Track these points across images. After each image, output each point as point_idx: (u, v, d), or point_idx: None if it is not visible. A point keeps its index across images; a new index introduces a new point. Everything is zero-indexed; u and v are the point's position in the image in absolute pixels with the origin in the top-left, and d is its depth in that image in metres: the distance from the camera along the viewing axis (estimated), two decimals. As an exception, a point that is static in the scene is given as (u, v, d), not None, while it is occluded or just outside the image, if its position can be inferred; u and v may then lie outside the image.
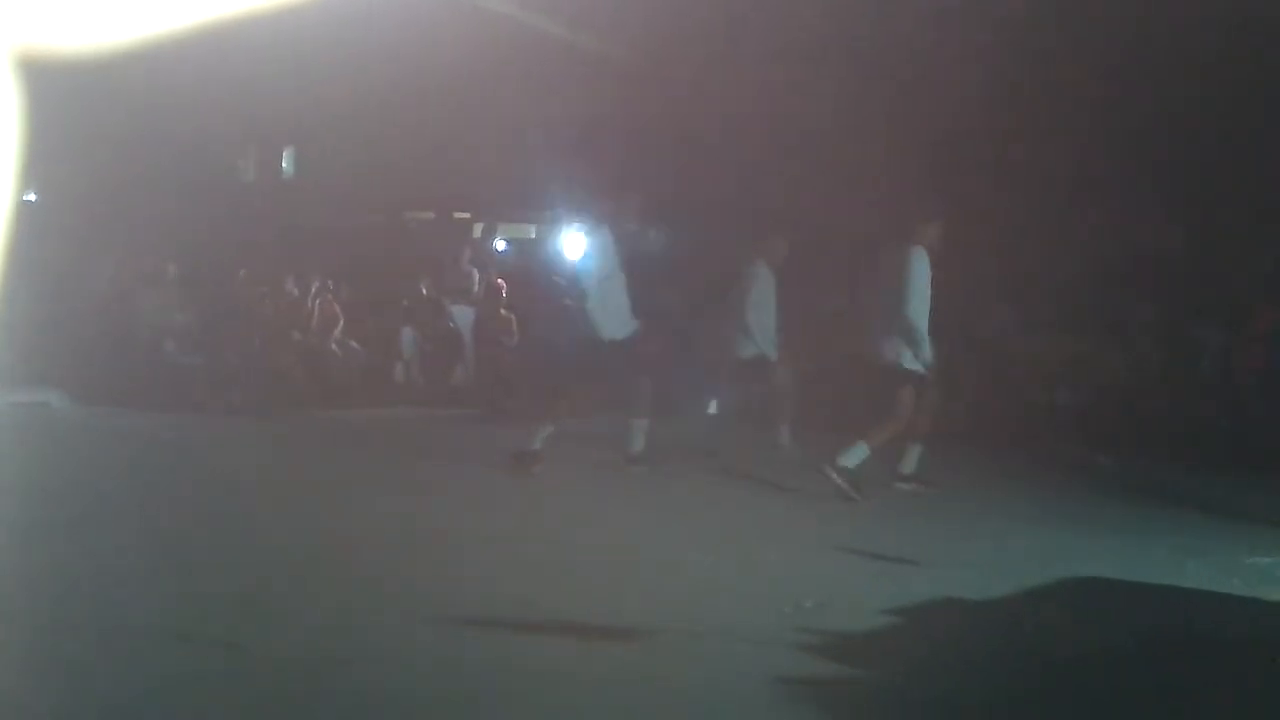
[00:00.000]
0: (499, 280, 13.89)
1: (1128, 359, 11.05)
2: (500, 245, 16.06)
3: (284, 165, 17.87)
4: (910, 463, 8.03)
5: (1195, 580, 6.00)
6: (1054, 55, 11.92)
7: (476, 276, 13.95)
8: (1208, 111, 11.64)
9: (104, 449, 9.11)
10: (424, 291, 13.60)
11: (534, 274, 14.32)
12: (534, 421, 8.28)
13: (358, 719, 3.77)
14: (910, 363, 7.69)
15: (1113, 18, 11.47)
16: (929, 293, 7.67)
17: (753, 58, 12.80)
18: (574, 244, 13.19)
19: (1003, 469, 9.11)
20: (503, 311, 13.56)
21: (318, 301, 12.87)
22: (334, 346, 12.66)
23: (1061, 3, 11.49)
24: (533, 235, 17.09)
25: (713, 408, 9.01)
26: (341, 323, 12.86)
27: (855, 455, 7.68)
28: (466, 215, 16.89)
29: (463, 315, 13.46)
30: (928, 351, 7.67)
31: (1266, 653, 4.94)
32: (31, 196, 15.68)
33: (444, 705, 3.91)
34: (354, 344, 12.86)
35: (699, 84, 13.51)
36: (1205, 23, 11.10)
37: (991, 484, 8.57)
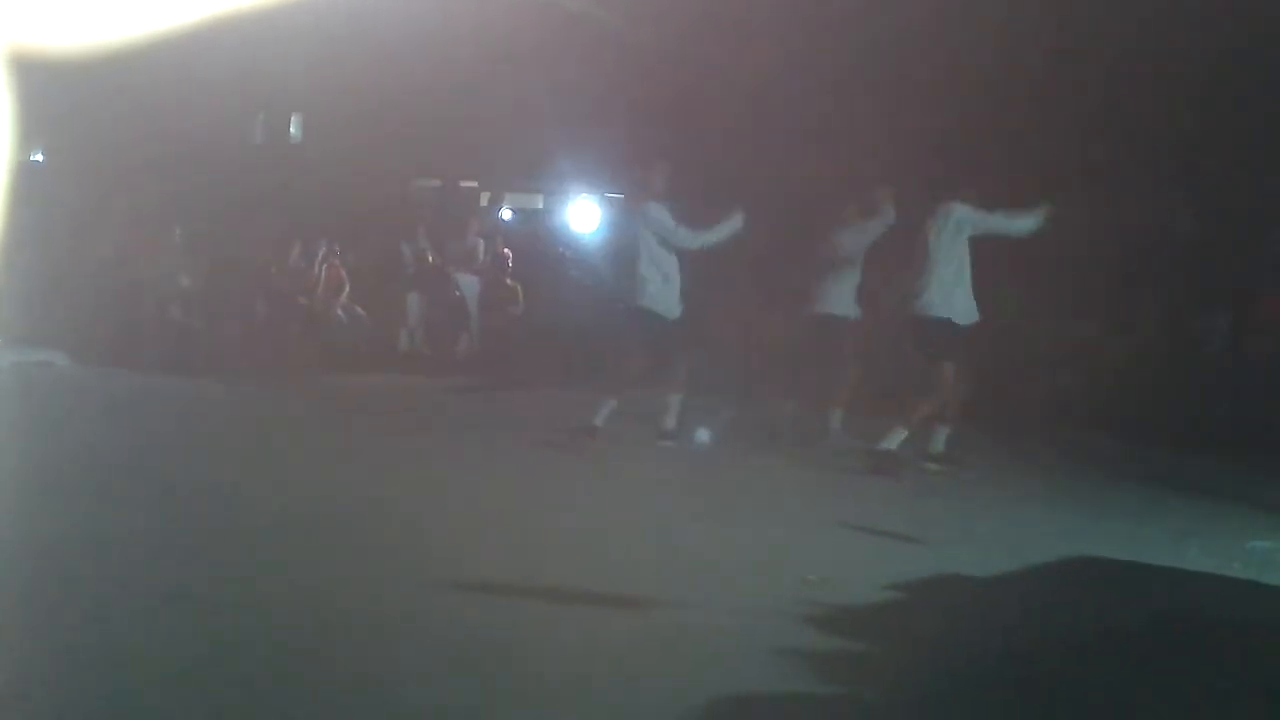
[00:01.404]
0: (505, 250, 13.89)
1: (1133, 344, 11.04)
2: (507, 214, 16.05)
3: (292, 131, 17.82)
4: (939, 443, 8.06)
5: (1197, 563, 6.02)
6: (1062, 39, 11.87)
7: (482, 246, 13.95)
8: (1215, 96, 11.60)
9: (106, 410, 9.12)
10: (430, 259, 13.60)
11: (545, 245, 14.38)
12: (599, 398, 8.23)
13: (364, 685, 3.78)
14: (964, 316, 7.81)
15: (1122, 3, 11.44)
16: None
17: (764, 30, 12.76)
18: (588, 215, 13.20)
19: (1008, 451, 9.11)
20: (508, 281, 13.57)
21: (324, 267, 12.87)
22: (339, 312, 12.67)
23: None
24: (540, 205, 17.08)
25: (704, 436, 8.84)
26: (347, 288, 12.86)
27: (896, 438, 7.80)
28: (474, 184, 16.86)
29: (469, 284, 13.46)
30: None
31: (1266, 636, 4.96)
32: (39, 158, 15.66)
33: (451, 675, 3.93)
34: (359, 310, 12.87)
35: (709, 55, 13.47)
36: (1214, 8, 11.06)
37: (997, 465, 8.57)
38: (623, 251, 8.45)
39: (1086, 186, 12.00)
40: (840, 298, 8.88)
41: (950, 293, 7.86)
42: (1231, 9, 11.01)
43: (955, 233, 7.83)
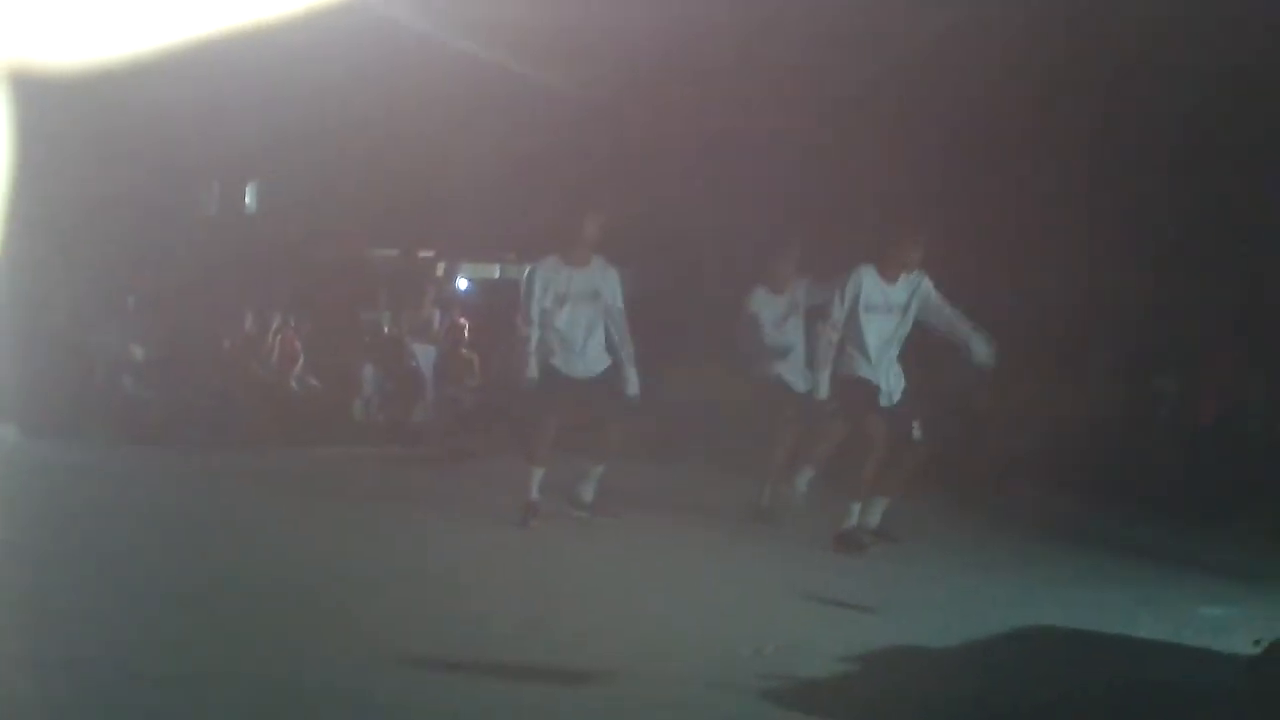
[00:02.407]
0: (461, 320, 13.89)
1: (1083, 407, 11.13)
2: (463, 284, 16.06)
3: (247, 200, 17.79)
4: (875, 515, 7.94)
5: (1150, 630, 6.04)
6: (1014, 99, 12.02)
7: (439, 316, 13.94)
8: (1168, 162, 11.77)
9: (58, 483, 9.00)
10: (386, 329, 13.58)
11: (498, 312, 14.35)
12: (527, 469, 8.09)
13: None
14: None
15: (1068, 67, 11.61)
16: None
17: (714, 93, 12.92)
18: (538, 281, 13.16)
19: (960, 515, 9.15)
20: (464, 351, 13.55)
21: (278, 337, 12.82)
22: (293, 383, 12.60)
23: (1015, 47, 11.58)
24: (497, 275, 17.11)
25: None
26: (302, 359, 12.80)
27: (854, 513, 7.71)
28: (430, 254, 16.87)
29: (425, 354, 13.44)
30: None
31: (1219, 704, 4.98)
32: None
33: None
34: (313, 381, 12.80)
35: (663, 120, 13.61)
36: (1165, 73, 11.25)
37: (949, 530, 8.60)
38: (566, 316, 8.16)
39: (1040, 248, 12.15)
40: (786, 362, 8.81)
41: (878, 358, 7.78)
42: (1182, 79, 11.21)
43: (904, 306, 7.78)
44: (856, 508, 7.75)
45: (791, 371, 8.74)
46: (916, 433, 7.76)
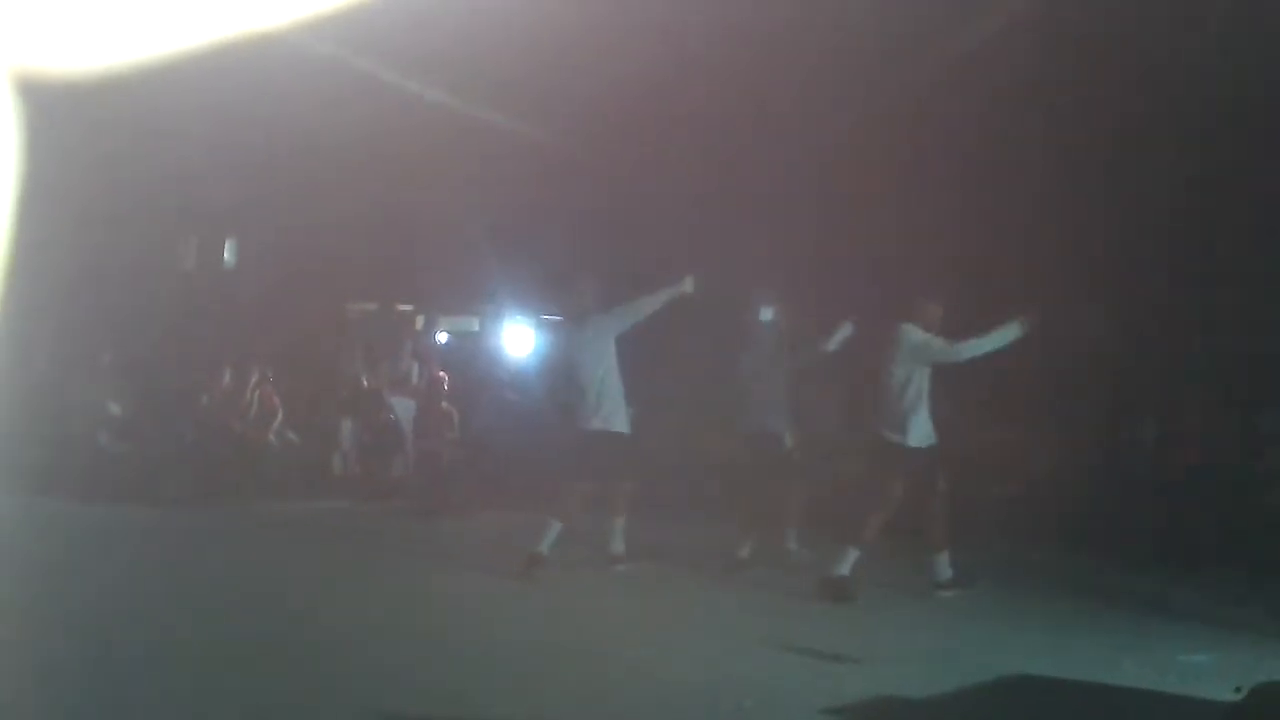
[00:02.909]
0: (440, 373, 13.87)
1: (1062, 454, 11.16)
2: (442, 338, 16.05)
3: (225, 254, 17.78)
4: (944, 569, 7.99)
5: (1132, 678, 6.04)
6: (993, 140, 12.10)
7: (417, 369, 13.92)
8: (1149, 207, 11.85)
9: (33, 540, 8.91)
10: (364, 383, 13.54)
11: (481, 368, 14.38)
12: (546, 521, 8.10)
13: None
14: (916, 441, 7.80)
15: (1047, 102, 11.70)
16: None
17: (696, 145, 12.99)
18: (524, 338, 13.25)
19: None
20: (443, 405, 13.52)
21: (256, 393, 12.77)
22: (271, 438, 12.54)
23: (991, 86, 11.68)
24: (476, 328, 17.09)
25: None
26: (280, 414, 12.75)
27: (848, 561, 7.72)
28: (409, 307, 16.87)
29: (403, 407, 13.40)
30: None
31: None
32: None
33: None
34: (291, 435, 12.75)
35: (642, 172, 13.68)
36: (1140, 119, 11.36)
37: (929, 579, 8.58)
38: (568, 372, 8.33)
39: (1016, 295, 12.19)
40: (771, 413, 8.87)
41: (906, 417, 7.85)
42: (1159, 120, 11.32)
43: (911, 358, 7.87)
44: (848, 554, 7.77)
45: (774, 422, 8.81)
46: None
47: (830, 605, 7.56)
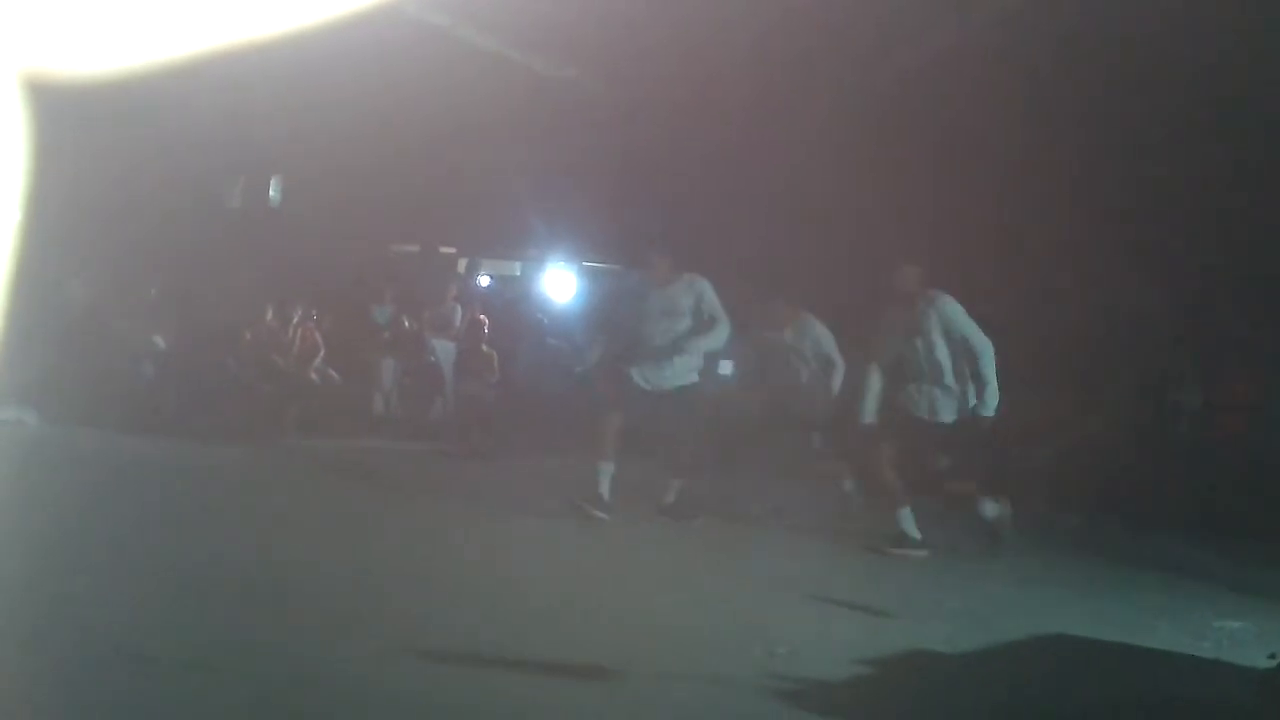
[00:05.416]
0: (481, 316, 13.90)
1: (1103, 421, 11.10)
2: (484, 281, 16.08)
3: (271, 194, 17.85)
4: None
5: (1166, 642, 6.03)
6: (1030, 107, 11.98)
7: (459, 312, 13.95)
8: (1188, 176, 11.73)
9: (76, 469, 9.03)
10: (406, 324, 13.59)
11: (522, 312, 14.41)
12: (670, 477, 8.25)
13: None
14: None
15: (1083, 77, 11.57)
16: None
17: (740, 93, 12.91)
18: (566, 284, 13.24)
19: (979, 528, 9.11)
20: (484, 348, 13.56)
21: (299, 330, 12.85)
22: (313, 375, 12.62)
23: (1028, 56, 11.53)
24: (518, 273, 17.13)
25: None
26: (322, 352, 12.82)
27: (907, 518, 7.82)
28: (452, 250, 16.90)
29: (444, 350, 13.45)
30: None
31: (1235, 716, 4.95)
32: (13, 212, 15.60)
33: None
34: (333, 373, 12.83)
35: (686, 120, 13.60)
36: (1178, 87, 11.21)
37: (966, 540, 8.57)
38: (636, 329, 8.26)
39: (1058, 262, 12.11)
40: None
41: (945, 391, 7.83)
42: (1194, 91, 11.17)
43: (944, 329, 7.78)
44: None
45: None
46: None
47: (877, 557, 7.63)
